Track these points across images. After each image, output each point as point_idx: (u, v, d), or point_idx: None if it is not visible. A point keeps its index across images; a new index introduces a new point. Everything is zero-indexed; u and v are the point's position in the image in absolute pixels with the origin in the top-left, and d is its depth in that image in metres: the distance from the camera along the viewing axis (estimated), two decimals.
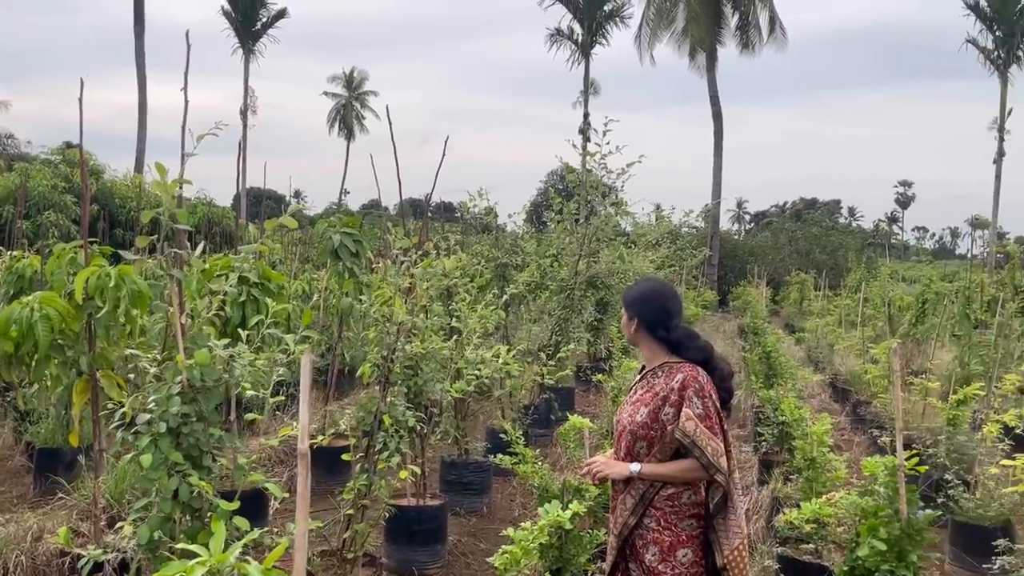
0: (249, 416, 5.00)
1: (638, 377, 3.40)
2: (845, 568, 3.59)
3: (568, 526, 3.34)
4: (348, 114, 64.73)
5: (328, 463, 6.82)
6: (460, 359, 6.23)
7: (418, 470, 5.55)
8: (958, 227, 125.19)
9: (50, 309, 4.36)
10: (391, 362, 4.77)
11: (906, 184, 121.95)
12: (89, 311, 4.39)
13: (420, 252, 5.26)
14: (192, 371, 3.37)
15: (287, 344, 4.03)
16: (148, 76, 33.71)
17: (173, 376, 3.40)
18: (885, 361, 9.06)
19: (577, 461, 4.88)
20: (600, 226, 10.86)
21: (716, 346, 3.37)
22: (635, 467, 3.17)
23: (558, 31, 43.60)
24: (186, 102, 4.08)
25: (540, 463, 4.74)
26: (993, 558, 4.87)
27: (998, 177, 42.78)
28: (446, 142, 6.54)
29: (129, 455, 3.49)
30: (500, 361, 6.28)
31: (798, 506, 4.42)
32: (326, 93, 65.60)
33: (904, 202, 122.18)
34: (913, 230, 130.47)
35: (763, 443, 7.33)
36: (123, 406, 3.55)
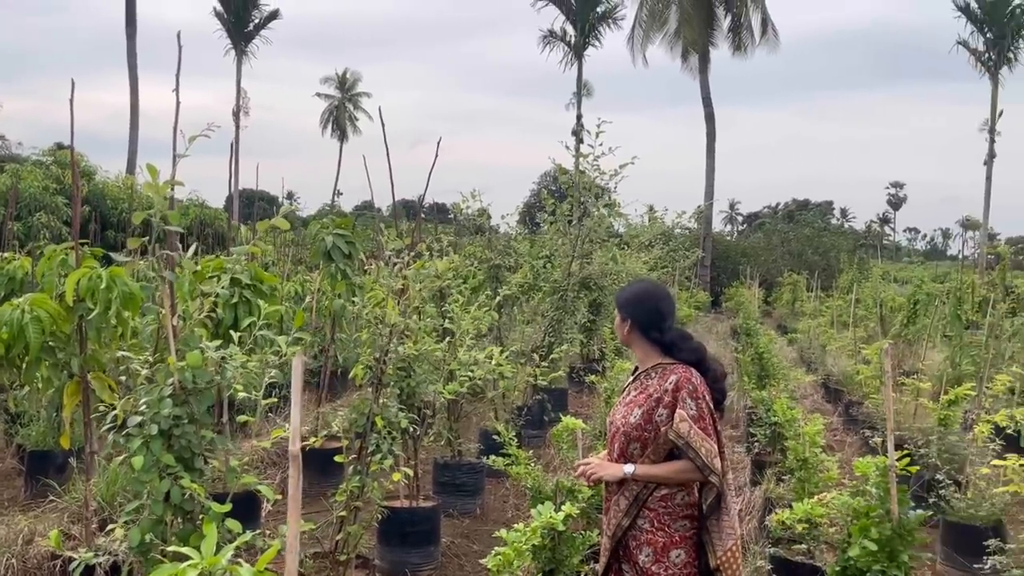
0: (241, 418, 5.00)
1: (631, 378, 3.40)
2: (837, 568, 3.60)
3: (561, 527, 3.33)
4: (341, 115, 64.64)
5: (321, 465, 6.81)
6: (453, 360, 6.23)
7: (411, 472, 5.55)
8: (949, 228, 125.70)
9: (41, 311, 4.34)
10: (384, 364, 4.76)
11: (898, 185, 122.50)
12: (80, 313, 4.38)
13: (413, 253, 5.25)
14: (184, 373, 3.36)
15: (279, 346, 4.02)
16: (140, 77, 33.68)
17: (165, 378, 3.39)
18: (877, 362, 9.09)
19: (570, 462, 4.88)
20: (593, 227, 10.88)
21: (709, 347, 3.38)
22: (629, 468, 3.18)
23: (551, 32, 43.70)
24: (178, 103, 4.07)
25: (533, 464, 4.75)
26: (984, 558, 4.89)
27: (989, 178, 43.02)
28: (439, 143, 6.54)
29: (120, 457, 3.48)
30: (493, 362, 6.28)
31: (790, 506, 4.44)
32: (319, 94, 65.51)
33: (896, 203, 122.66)
34: (905, 231, 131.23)
35: (756, 444, 7.35)
36: (114, 408, 3.53)
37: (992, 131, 42.46)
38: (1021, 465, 4.83)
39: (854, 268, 23.03)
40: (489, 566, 2.90)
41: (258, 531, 3.44)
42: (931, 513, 4.00)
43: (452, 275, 7.14)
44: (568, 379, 11.51)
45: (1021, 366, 9.15)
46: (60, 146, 24.66)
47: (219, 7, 47.72)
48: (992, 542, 4.89)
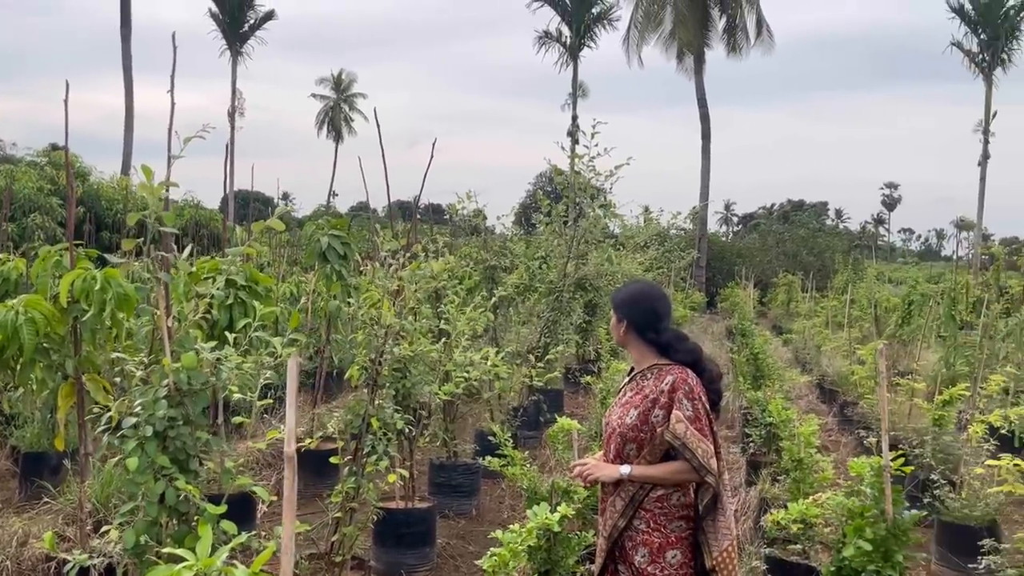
0: (236, 419, 4.99)
1: (627, 379, 3.40)
2: (832, 568, 3.61)
3: (556, 528, 3.34)
4: (336, 116, 64.62)
5: (316, 466, 6.81)
6: (449, 361, 6.23)
7: (406, 473, 5.54)
8: (944, 229, 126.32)
9: (35, 312, 4.33)
10: (379, 365, 4.76)
11: (892, 186, 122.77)
12: (75, 314, 4.37)
13: (408, 254, 5.25)
14: (179, 374, 3.36)
15: (275, 347, 4.01)
16: (135, 78, 33.60)
17: (160, 379, 3.39)
18: (872, 362, 9.11)
19: (566, 463, 4.89)
20: (588, 228, 10.89)
21: (704, 348, 3.38)
22: (625, 469, 3.18)
23: (546, 33, 43.73)
24: (172, 104, 4.06)
25: (529, 465, 4.75)
26: (979, 558, 4.90)
27: (983, 179, 43.15)
28: (434, 144, 6.54)
29: (115, 459, 3.47)
30: (489, 363, 6.29)
31: (785, 507, 4.44)
32: (314, 95, 65.51)
33: (890, 204, 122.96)
34: (899, 232, 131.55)
35: (751, 444, 7.36)
36: (109, 410, 3.52)
37: (986, 132, 42.61)
38: (1015, 465, 4.84)
39: (849, 269, 23.08)
40: (485, 567, 2.90)
41: (253, 533, 3.44)
42: (926, 513, 4.02)
43: (448, 276, 7.13)
44: (564, 380, 11.51)
45: (1015, 366, 9.18)
46: (55, 147, 24.58)
47: (214, 8, 47.64)
48: (987, 542, 4.91)
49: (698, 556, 3.18)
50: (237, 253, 4.71)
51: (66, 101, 4.58)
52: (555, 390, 10.27)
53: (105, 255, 4.40)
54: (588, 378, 8.61)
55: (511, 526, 3.07)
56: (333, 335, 8.17)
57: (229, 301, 4.66)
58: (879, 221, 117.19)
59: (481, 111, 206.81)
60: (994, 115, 42.38)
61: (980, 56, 42.51)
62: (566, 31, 43.27)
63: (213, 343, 3.64)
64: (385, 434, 4.54)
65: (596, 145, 10.29)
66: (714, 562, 3.13)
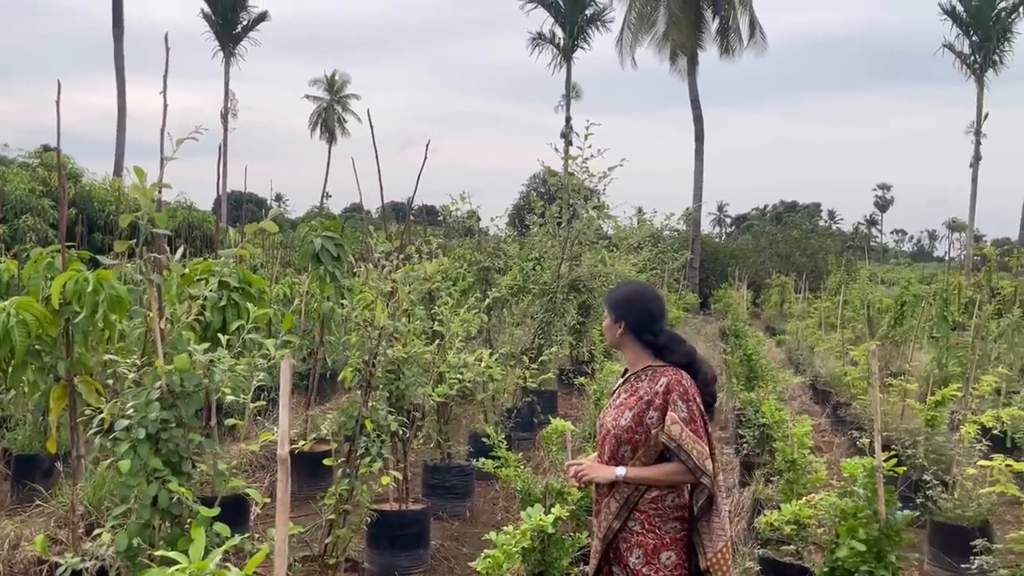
0: (229, 421, 4.98)
1: (620, 380, 3.40)
2: (825, 569, 3.62)
3: (550, 530, 3.34)
4: (330, 117, 64.51)
5: (310, 468, 6.79)
6: (442, 363, 6.22)
7: (400, 475, 5.54)
8: (936, 230, 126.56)
9: (27, 314, 4.31)
10: (373, 366, 4.75)
11: (885, 187, 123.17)
12: (67, 316, 4.35)
13: (402, 256, 5.25)
14: (172, 376, 3.34)
15: (268, 349, 4.01)
16: (127, 79, 33.54)
17: (152, 381, 3.38)
18: (864, 363, 9.13)
19: (560, 464, 4.89)
20: (582, 229, 10.90)
21: (697, 349, 3.38)
22: (621, 471, 3.17)
23: (540, 35, 43.76)
24: (165, 105, 4.05)
25: (522, 467, 4.75)
26: (971, 558, 4.91)
27: (975, 180, 43.30)
28: (427, 145, 6.53)
29: (107, 461, 3.46)
30: (482, 365, 6.29)
31: (779, 508, 4.45)
32: (307, 96, 65.36)
33: (883, 205, 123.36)
34: (892, 233, 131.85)
35: (744, 445, 7.38)
36: (101, 412, 3.51)
37: (978, 133, 42.73)
38: (1007, 466, 4.86)
39: (842, 270, 23.12)
40: (479, 568, 2.90)
41: (247, 535, 3.43)
42: (918, 514, 4.03)
43: (441, 277, 7.14)
44: (558, 381, 11.53)
45: (1007, 367, 9.22)
46: (46, 148, 24.52)
47: (207, 9, 47.51)
48: (979, 542, 4.92)
49: (692, 557, 3.18)
50: (230, 255, 4.69)
51: (58, 102, 4.57)
52: (549, 391, 10.27)
53: (97, 257, 4.38)
54: (582, 379, 8.59)
55: (505, 528, 3.06)
56: (326, 337, 8.15)
57: (222, 303, 4.66)
58: (872, 222, 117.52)
59: (475, 112, 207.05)
60: (986, 117, 42.51)
61: (972, 58, 42.66)
62: (559, 32, 43.30)
63: (206, 345, 3.63)
64: (379, 436, 4.54)
65: (590, 147, 10.33)
66: (708, 563, 3.13)
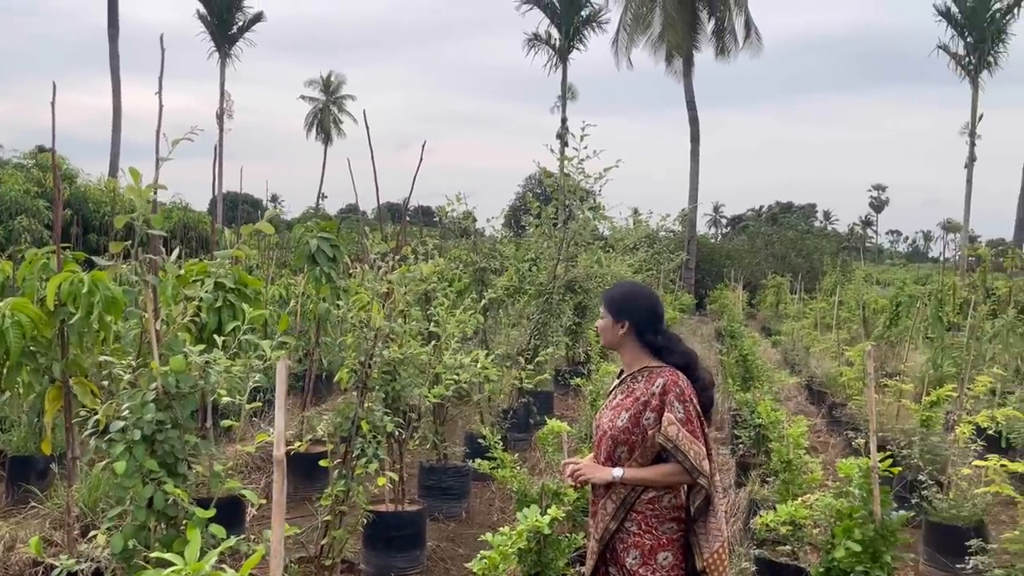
0: (225, 422, 4.96)
1: (616, 381, 3.40)
2: (821, 570, 3.63)
3: (547, 531, 3.34)
4: (325, 118, 64.47)
5: (306, 469, 6.78)
6: (438, 364, 6.22)
7: (396, 476, 5.53)
8: (931, 231, 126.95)
9: (22, 315, 4.30)
10: (369, 367, 4.75)
11: (880, 188, 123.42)
12: (62, 317, 4.34)
13: (398, 257, 5.24)
14: (167, 378, 3.34)
15: (263, 350, 4.00)
16: (123, 80, 33.46)
17: (148, 383, 3.37)
18: (860, 363, 9.15)
19: (556, 465, 4.89)
20: (578, 230, 10.90)
21: (693, 349, 3.38)
22: (618, 472, 3.17)
23: (536, 36, 43.78)
24: (161, 106, 4.04)
25: (519, 468, 4.75)
26: (966, 558, 4.93)
27: (969, 181, 43.43)
28: (423, 146, 6.52)
29: (103, 463, 3.45)
30: (479, 366, 6.28)
31: (775, 508, 4.45)
32: (303, 97, 65.33)
33: (878, 206, 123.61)
34: (887, 234, 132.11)
35: (740, 446, 7.39)
36: (97, 413, 3.50)
37: (972, 135, 42.88)
38: (1002, 465, 4.87)
39: (837, 270, 23.18)
40: (475, 570, 2.90)
41: (242, 536, 3.43)
42: (913, 514, 4.04)
43: (437, 278, 7.13)
44: (554, 382, 11.52)
45: (1002, 367, 9.24)
46: (41, 149, 24.43)
47: (202, 9, 47.45)
48: (974, 542, 4.93)
49: (689, 558, 3.18)
50: (226, 256, 4.69)
51: (53, 103, 4.55)
52: (545, 392, 10.27)
53: (93, 258, 4.38)
54: (578, 380, 8.60)
55: (501, 528, 3.06)
56: (322, 338, 8.15)
57: (217, 304, 4.65)
58: (867, 223, 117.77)
59: (471, 113, 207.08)
60: (980, 118, 42.67)
61: (966, 59, 42.79)
62: (555, 33, 43.34)
63: (201, 346, 3.63)
64: (375, 437, 4.53)
65: (585, 147, 10.31)
66: (705, 563, 3.13)
